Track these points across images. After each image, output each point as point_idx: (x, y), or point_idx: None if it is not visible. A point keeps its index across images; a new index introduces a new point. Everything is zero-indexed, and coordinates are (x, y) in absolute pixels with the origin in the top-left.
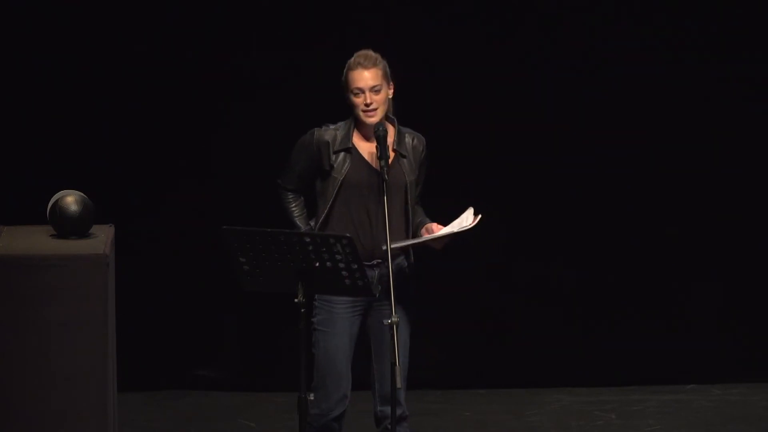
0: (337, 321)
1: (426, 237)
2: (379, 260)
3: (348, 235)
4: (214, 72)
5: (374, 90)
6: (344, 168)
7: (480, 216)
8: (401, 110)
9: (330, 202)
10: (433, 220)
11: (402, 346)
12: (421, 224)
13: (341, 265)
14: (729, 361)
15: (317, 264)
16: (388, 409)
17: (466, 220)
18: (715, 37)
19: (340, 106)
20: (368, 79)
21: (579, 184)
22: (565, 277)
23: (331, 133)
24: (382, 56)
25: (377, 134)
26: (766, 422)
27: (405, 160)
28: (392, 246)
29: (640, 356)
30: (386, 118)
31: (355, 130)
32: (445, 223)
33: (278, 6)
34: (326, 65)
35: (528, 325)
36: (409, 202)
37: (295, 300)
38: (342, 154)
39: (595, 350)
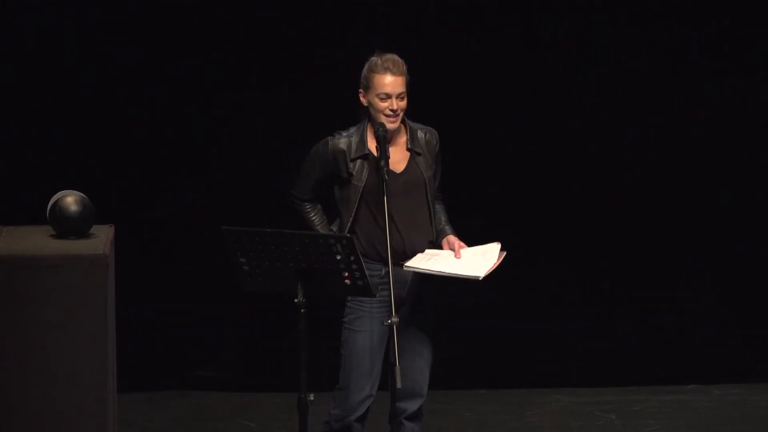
0: (365, 320)
1: (452, 273)
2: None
3: (348, 235)
4: (214, 72)
5: (400, 97)
6: (363, 175)
7: (505, 253)
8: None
9: (354, 210)
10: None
11: (427, 344)
12: (442, 233)
13: (341, 265)
14: (729, 361)
15: (317, 265)
16: (403, 405)
17: (492, 254)
18: (715, 39)
19: (341, 106)
20: (396, 85)
21: (579, 184)
22: (565, 277)
23: (345, 141)
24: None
25: (377, 135)
26: (766, 422)
27: (420, 158)
28: (409, 267)
29: (640, 356)
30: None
31: (369, 135)
32: (466, 239)
33: (279, 5)
34: (327, 65)
35: (528, 325)
36: (429, 198)
37: (295, 300)
38: (359, 161)
39: (595, 350)
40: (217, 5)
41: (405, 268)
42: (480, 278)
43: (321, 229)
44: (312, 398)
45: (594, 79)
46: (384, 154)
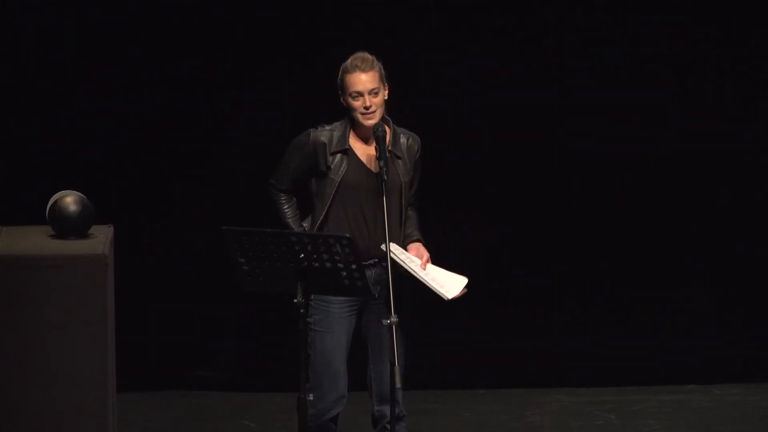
0: (333, 321)
1: (424, 279)
2: (375, 260)
3: (347, 235)
4: (214, 72)
5: (372, 93)
6: (341, 169)
7: (466, 291)
8: (401, 112)
9: (328, 204)
10: (430, 225)
11: (399, 346)
12: (409, 237)
13: (340, 265)
14: (729, 361)
15: (316, 264)
16: (385, 409)
17: (454, 285)
18: (714, 39)
19: (341, 106)
20: (366, 82)
21: (578, 185)
22: (566, 277)
23: (327, 134)
24: (377, 58)
25: (377, 135)
26: (765, 422)
27: (400, 161)
28: (393, 252)
29: (640, 356)
30: (382, 119)
31: (351, 132)
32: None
33: (279, 6)
34: (327, 65)
35: (528, 325)
36: (403, 202)
37: (295, 300)
38: (339, 155)
39: (595, 350)
40: (217, 5)
41: (389, 248)
42: (447, 299)
43: (292, 222)
44: (311, 398)
45: (594, 79)
46: (384, 155)
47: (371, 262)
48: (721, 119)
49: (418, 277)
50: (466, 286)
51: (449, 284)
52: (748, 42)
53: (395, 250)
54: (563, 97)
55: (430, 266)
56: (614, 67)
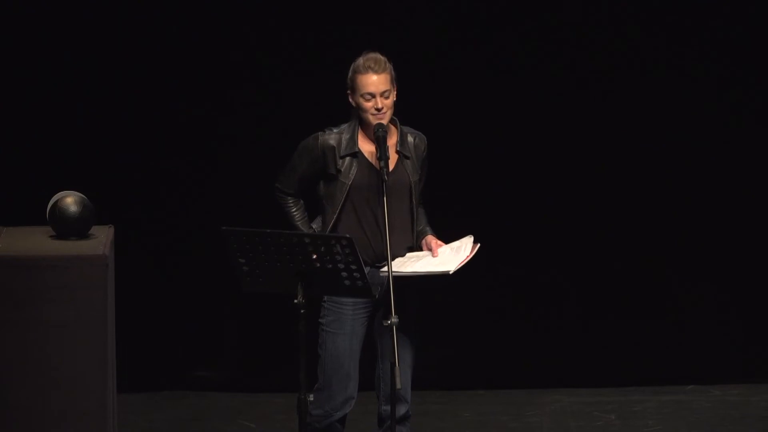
0: (345, 322)
1: (425, 271)
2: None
3: (348, 236)
4: (215, 71)
5: (384, 95)
6: (352, 173)
7: (479, 245)
8: (402, 113)
9: (339, 207)
10: (430, 225)
11: (408, 349)
12: (422, 234)
13: (341, 266)
14: (729, 361)
15: (317, 264)
16: (391, 410)
17: (465, 248)
18: (712, 38)
19: (342, 106)
20: (379, 84)
21: (578, 185)
22: (565, 277)
23: (335, 137)
24: (388, 59)
25: (377, 135)
26: (765, 423)
27: (408, 161)
28: (396, 273)
29: (640, 356)
30: (389, 119)
31: (360, 134)
32: (445, 241)
33: (281, 4)
34: (328, 65)
35: (528, 325)
36: (414, 202)
37: (295, 301)
38: (348, 158)
39: (595, 350)
40: (218, 4)
41: (381, 274)
42: (450, 272)
43: (301, 225)
44: (311, 398)
45: (591, 80)
46: (384, 155)
47: (384, 263)
48: (720, 120)
49: (417, 274)
50: (475, 241)
51: (451, 258)
52: (746, 42)
53: (396, 269)
54: (564, 97)
55: (441, 248)
56: (617, 67)
